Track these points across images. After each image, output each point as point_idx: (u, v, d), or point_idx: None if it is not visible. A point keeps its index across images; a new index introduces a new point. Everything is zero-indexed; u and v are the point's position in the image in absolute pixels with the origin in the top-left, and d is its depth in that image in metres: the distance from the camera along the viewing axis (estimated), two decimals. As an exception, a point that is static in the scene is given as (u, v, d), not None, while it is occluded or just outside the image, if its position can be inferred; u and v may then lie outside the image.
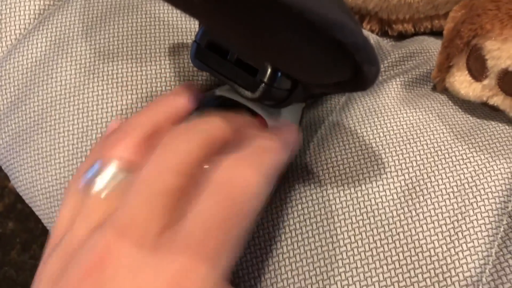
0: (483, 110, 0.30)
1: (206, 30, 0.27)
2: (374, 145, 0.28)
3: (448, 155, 0.27)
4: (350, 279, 0.24)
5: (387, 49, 0.36)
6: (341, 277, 0.24)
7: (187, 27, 0.33)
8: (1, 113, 0.32)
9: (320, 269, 0.25)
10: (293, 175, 0.28)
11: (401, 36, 0.39)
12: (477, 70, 0.27)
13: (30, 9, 0.33)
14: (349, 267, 0.25)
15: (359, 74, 0.20)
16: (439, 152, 0.27)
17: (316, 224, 0.26)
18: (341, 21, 0.17)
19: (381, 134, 0.28)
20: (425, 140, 0.28)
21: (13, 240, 0.54)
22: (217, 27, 0.23)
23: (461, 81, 0.28)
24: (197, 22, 0.33)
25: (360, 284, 0.24)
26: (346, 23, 0.17)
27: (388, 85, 0.32)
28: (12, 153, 0.31)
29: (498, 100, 0.27)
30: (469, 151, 0.27)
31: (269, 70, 0.25)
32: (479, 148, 0.27)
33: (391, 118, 0.29)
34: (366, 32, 0.37)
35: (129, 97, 0.30)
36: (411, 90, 0.32)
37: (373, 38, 0.37)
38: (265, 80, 0.25)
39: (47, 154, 0.30)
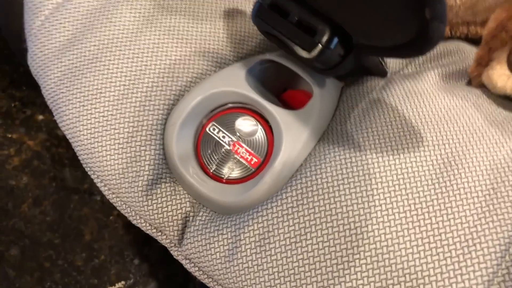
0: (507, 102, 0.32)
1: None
2: (413, 121, 0.29)
3: (483, 138, 0.28)
4: (382, 236, 0.25)
5: (426, 45, 0.37)
6: (374, 233, 0.26)
7: (243, -6, 0.35)
8: (56, 50, 0.33)
9: (354, 224, 0.26)
10: (333, 139, 0.29)
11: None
12: (518, 64, 0.29)
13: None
14: (383, 225, 0.26)
15: (423, 34, 0.21)
16: (474, 135, 0.29)
17: (353, 183, 0.27)
18: None
19: (420, 113, 0.30)
20: (462, 123, 0.29)
21: (25, 194, 0.55)
22: None
23: (500, 74, 0.30)
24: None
25: (392, 242, 0.25)
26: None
27: (427, 74, 0.33)
28: (62, 88, 0.32)
29: (533, 94, 0.29)
30: (503, 137, 0.28)
31: (327, 33, 0.27)
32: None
33: (430, 100, 0.30)
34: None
35: (183, 49, 0.32)
36: (448, 81, 0.33)
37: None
38: (323, 41, 0.27)
39: (97, 92, 0.31)
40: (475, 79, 0.33)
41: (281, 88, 0.36)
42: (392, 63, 0.35)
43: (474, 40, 0.40)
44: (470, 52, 0.37)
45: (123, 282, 0.50)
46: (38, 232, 0.53)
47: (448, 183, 0.26)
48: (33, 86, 0.63)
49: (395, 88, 0.32)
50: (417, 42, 0.22)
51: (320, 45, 0.27)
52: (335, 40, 0.27)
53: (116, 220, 0.54)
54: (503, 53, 0.30)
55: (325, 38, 0.27)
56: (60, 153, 0.58)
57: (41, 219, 0.53)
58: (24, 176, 0.56)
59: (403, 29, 0.22)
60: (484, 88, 0.33)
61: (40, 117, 0.60)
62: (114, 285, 0.50)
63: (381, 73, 0.34)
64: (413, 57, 0.24)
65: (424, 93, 0.31)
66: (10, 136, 0.58)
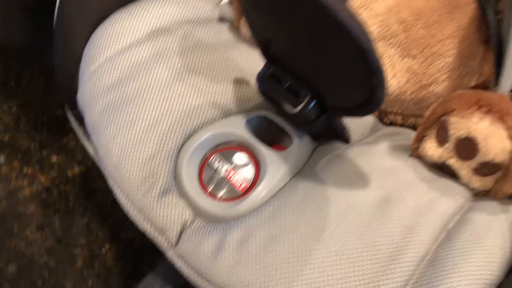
0: (441, 172, 0.42)
1: (269, 65, 0.40)
2: (363, 170, 0.39)
3: (414, 188, 0.38)
4: (334, 243, 0.34)
5: (381, 126, 0.49)
6: (328, 240, 0.34)
7: (248, 69, 0.46)
8: (103, 88, 0.43)
9: (313, 233, 0.35)
10: (304, 176, 0.39)
11: (391, 125, 0.52)
12: (442, 138, 0.40)
13: (144, 27, 0.46)
14: (334, 234, 0.35)
15: (372, 97, 0.32)
16: (408, 185, 0.39)
17: (315, 205, 0.36)
18: (374, 49, 0.29)
19: (370, 166, 0.40)
20: (399, 177, 0.39)
21: (30, 220, 0.62)
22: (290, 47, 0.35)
23: (430, 146, 0.41)
24: (256, 65, 0.47)
25: (335, 233, 0.34)
26: (376, 53, 0.29)
27: (380, 143, 0.44)
28: (104, 116, 0.42)
29: (452, 161, 0.40)
30: (429, 188, 0.38)
31: (308, 97, 0.38)
32: (436, 189, 0.39)
33: (378, 159, 0.41)
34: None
35: (200, 100, 0.42)
36: (395, 150, 0.44)
37: (371, 117, 0.50)
38: (304, 102, 0.38)
39: (132, 121, 0.41)
40: (414, 151, 0.43)
41: (270, 140, 0.46)
42: (354, 134, 0.46)
43: (421, 131, 0.51)
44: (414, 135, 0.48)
45: (106, 306, 0.56)
46: (37, 255, 0.59)
47: (383, 213, 0.36)
48: (52, 132, 0.73)
49: (354, 149, 0.42)
50: (367, 103, 0.33)
51: (302, 104, 0.38)
52: (313, 102, 0.38)
53: (107, 252, 0.61)
54: (433, 130, 0.41)
55: (306, 100, 0.38)
56: (67, 190, 0.66)
57: (40, 243, 0.60)
58: (32, 205, 0.63)
59: (358, 94, 0.33)
60: (421, 158, 0.44)
61: (54, 158, 0.69)
62: (98, 308, 0.56)
63: (346, 139, 0.44)
64: (366, 115, 0.34)
65: (375, 154, 0.42)
66: (25, 170, 0.67)
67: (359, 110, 0.35)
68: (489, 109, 0.38)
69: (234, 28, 0.52)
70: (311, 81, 0.37)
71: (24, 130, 0.71)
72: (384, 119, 0.52)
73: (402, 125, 0.52)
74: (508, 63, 0.40)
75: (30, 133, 0.71)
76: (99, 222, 0.63)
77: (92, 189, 0.67)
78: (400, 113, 0.52)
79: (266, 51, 0.39)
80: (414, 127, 0.52)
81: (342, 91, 0.35)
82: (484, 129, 0.37)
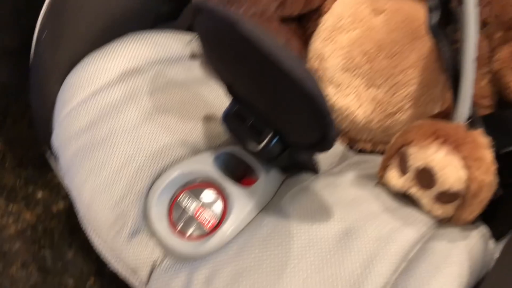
0: (405, 200, 0.43)
1: (233, 104, 0.41)
2: (328, 202, 0.40)
3: (376, 219, 0.39)
4: (293, 264, 0.35)
5: (350, 155, 0.50)
6: (291, 273, 0.35)
7: (218, 105, 0.48)
8: (75, 131, 0.44)
9: (278, 268, 0.36)
10: (270, 211, 0.40)
11: (361, 152, 0.54)
12: (403, 168, 0.41)
13: (116, 69, 0.47)
14: (296, 260, 0.36)
15: (325, 137, 0.34)
16: (370, 216, 0.40)
17: (280, 240, 0.37)
18: (322, 94, 0.31)
19: (334, 198, 0.41)
20: (362, 208, 0.40)
21: (15, 258, 0.63)
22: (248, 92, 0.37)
23: (393, 176, 0.42)
24: (225, 101, 0.48)
25: (297, 269, 0.35)
26: (326, 100, 0.31)
27: (347, 173, 0.45)
28: (76, 159, 0.43)
29: (413, 190, 0.41)
30: (391, 218, 0.40)
31: (270, 134, 0.39)
32: (399, 218, 0.40)
33: (342, 190, 0.42)
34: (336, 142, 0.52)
35: (170, 139, 0.44)
36: (361, 179, 0.45)
37: (340, 147, 0.51)
38: (267, 139, 0.39)
39: (102, 163, 0.42)
40: (380, 179, 0.44)
41: (240, 174, 0.47)
42: (323, 164, 0.47)
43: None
44: (383, 163, 0.50)
45: None
46: (22, 290, 0.60)
47: (345, 245, 0.37)
48: (37, 168, 0.74)
49: (320, 181, 0.43)
50: (321, 142, 0.35)
51: (264, 142, 0.39)
52: (275, 139, 0.39)
53: (92, 287, 0.62)
54: (395, 160, 0.42)
55: (268, 137, 0.39)
56: (52, 226, 0.67)
57: (25, 281, 0.61)
58: (17, 242, 0.64)
59: (312, 133, 0.35)
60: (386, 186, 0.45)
61: (40, 194, 0.70)
62: None
63: (314, 170, 0.46)
64: (322, 152, 0.36)
65: (341, 185, 0.43)
66: (11, 208, 0.68)
67: (316, 148, 0.36)
68: (445, 139, 0.39)
69: (206, 63, 0.54)
70: (272, 119, 0.38)
71: (10, 167, 0.72)
72: (354, 147, 0.54)
73: (372, 151, 0.53)
74: (464, 93, 0.41)
75: (16, 170, 0.72)
76: (84, 257, 0.64)
77: (76, 223, 0.67)
78: (369, 140, 0.53)
79: (229, 90, 0.41)
80: (383, 154, 0.53)
81: (298, 130, 0.36)
82: (440, 160, 0.38)
